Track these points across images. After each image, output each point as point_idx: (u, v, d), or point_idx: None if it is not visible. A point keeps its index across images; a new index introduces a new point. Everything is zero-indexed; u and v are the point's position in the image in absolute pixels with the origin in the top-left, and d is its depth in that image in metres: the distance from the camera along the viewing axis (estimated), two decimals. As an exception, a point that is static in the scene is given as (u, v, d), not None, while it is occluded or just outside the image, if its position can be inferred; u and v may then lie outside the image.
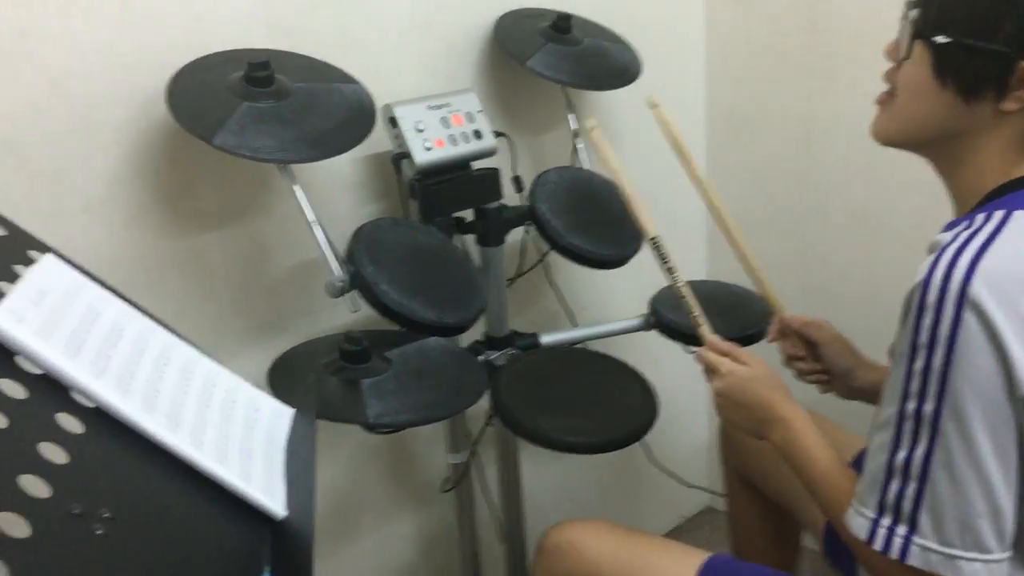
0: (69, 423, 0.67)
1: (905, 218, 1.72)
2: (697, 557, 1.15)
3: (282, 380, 1.16)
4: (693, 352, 1.23)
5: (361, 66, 1.33)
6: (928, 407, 0.82)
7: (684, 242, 2.03)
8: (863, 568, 1.00)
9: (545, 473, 1.90)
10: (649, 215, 1.24)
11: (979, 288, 0.79)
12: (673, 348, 1.54)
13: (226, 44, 1.25)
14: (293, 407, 0.96)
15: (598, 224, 1.50)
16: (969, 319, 0.79)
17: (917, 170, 1.02)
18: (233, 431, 0.83)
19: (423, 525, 1.73)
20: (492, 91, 1.59)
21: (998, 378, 0.80)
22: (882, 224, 1.77)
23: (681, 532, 2.26)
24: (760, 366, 1.14)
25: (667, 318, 1.53)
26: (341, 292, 1.23)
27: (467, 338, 1.49)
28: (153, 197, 1.24)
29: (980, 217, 0.87)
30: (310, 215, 1.22)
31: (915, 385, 0.83)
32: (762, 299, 1.38)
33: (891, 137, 0.98)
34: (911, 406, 0.84)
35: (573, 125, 1.62)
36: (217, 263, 1.32)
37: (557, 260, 1.58)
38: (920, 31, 0.91)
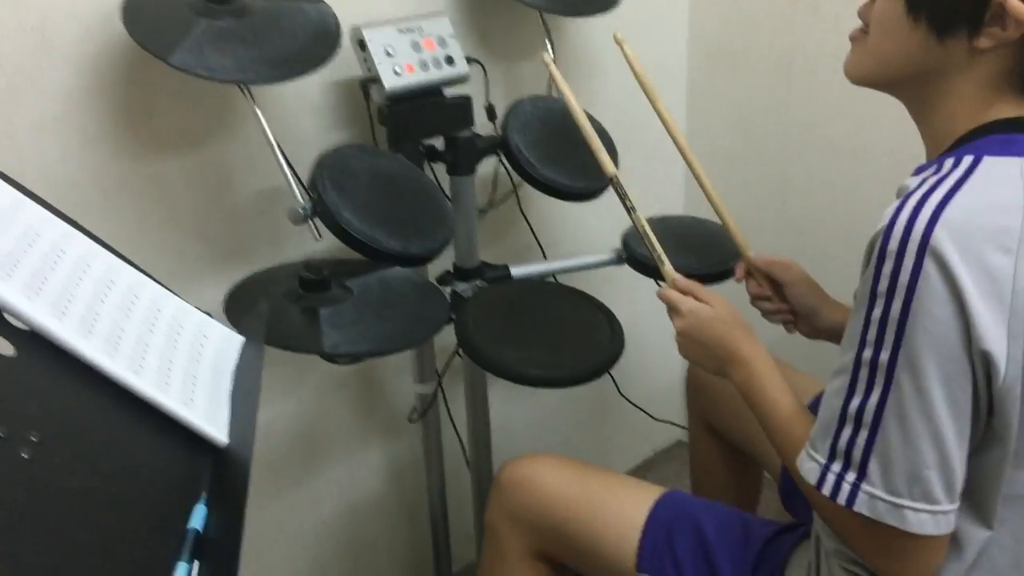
0: (-1, 345, 0.66)
1: (886, 154, 1.70)
2: (652, 493, 1.16)
3: (238, 307, 1.14)
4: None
5: (329, -15, 1.30)
6: (884, 356, 0.81)
7: (663, 176, 2.00)
8: (816, 514, 1.00)
9: (516, 405, 1.91)
10: (606, 154, 1.22)
11: (941, 237, 0.77)
12: (646, 283, 1.52)
13: (187, -41, 1.21)
14: (244, 334, 0.94)
15: (572, 156, 1.47)
16: (930, 269, 0.78)
17: (900, 106, 0.99)
18: (177, 357, 0.82)
19: (392, 455, 1.73)
20: (466, 16, 1.54)
21: (956, 330, 0.78)
22: (862, 159, 1.75)
23: (651, 466, 2.29)
24: (722, 305, 1.12)
25: (639, 253, 1.52)
26: (303, 219, 1.20)
27: (436, 268, 1.47)
28: (112, 118, 1.21)
29: (949, 162, 0.85)
30: (272, 139, 1.19)
31: (872, 333, 0.82)
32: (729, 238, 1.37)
33: (863, 75, 0.95)
34: (867, 354, 0.83)
35: (550, 54, 1.58)
36: (179, 187, 1.29)
37: (530, 192, 1.56)
38: None
